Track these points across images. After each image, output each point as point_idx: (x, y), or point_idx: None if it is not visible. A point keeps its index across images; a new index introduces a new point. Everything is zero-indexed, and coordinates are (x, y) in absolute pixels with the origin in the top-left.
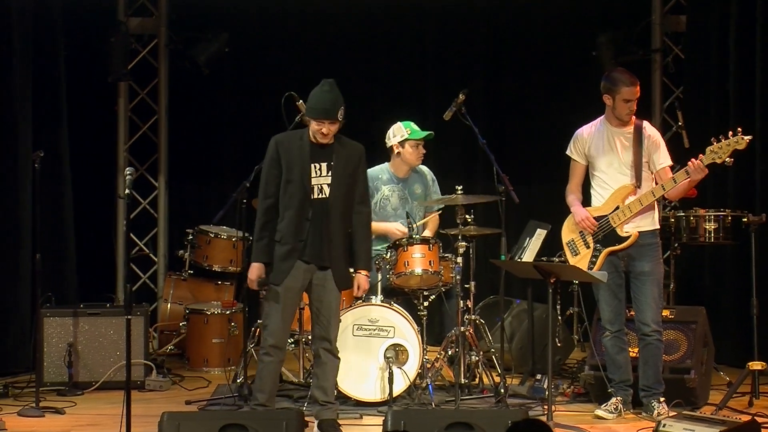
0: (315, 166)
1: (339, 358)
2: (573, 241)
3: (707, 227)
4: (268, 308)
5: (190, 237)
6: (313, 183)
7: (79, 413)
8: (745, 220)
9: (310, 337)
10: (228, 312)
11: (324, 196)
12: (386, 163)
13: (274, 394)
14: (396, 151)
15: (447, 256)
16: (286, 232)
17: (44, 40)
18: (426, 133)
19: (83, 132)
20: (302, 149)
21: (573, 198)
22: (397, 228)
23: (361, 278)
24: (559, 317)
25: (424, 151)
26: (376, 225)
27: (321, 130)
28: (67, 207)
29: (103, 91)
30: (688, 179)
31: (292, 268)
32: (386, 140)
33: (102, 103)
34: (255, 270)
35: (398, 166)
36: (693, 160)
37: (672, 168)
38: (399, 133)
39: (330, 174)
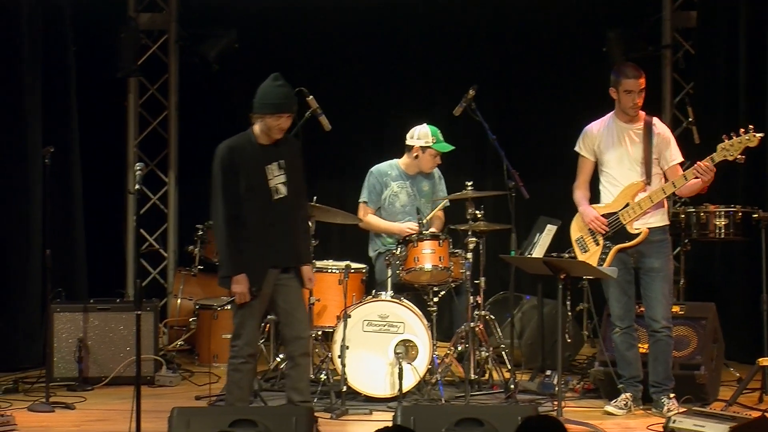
0: (269, 168)
1: (310, 356)
2: (582, 238)
3: (717, 223)
4: (242, 317)
5: (200, 232)
6: (270, 185)
7: (89, 408)
8: (756, 216)
9: None
10: None
11: (282, 195)
12: (395, 160)
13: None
14: (415, 153)
15: (457, 252)
16: (253, 239)
17: (54, 35)
18: (450, 147)
19: (93, 127)
20: (255, 152)
21: (581, 196)
22: (408, 227)
23: (309, 271)
24: (569, 313)
25: (440, 162)
26: (388, 225)
27: (279, 125)
28: (77, 202)
29: (113, 87)
30: (699, 179)
31: (265, 275)
32: (408, 137)
33: (112, 98)
34: (244, 281)
35: (410, 165)
36: (699, 162)
37: (682, 165)
38: (424, 138)
39: (283, 172)
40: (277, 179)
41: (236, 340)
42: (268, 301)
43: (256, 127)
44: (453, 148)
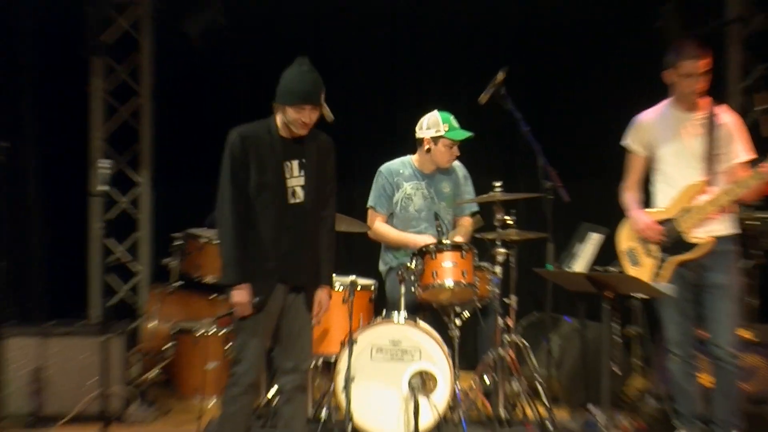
0: (287, 165)
1: (307, 390)
2: (633, 249)
3: None
4: (244, 338)
5: (179, 243)
6: (287, 185)
7: None
8: None
9: None
10: (224, 331)
11: (299, 200)
12: (408, 156)
13: None
14: (426, 146)
15: (483, 266)
16: (263, 246)
17: (4, 7)
18: (466, 134)
19: (52, 118)
20: (273, 144)
21: (630, 198)
22: (425, 241)
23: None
24: (617, 338)
25: (458, 154)
26: (400, 237)
27: (301, 119)
28: (34, 207)
29: (76, 70)
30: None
31: (273, 289)
32: (417, 129)
33: (75, 83)
34: (246, 292)
35: (424, 161)
36: (765, 164)
37: (754, 162)
38: (435, 126)
39: (302, 174)
40: (295, 180)
41: (236, 365)
42: (275, 322)
43: (278, 117)
44: (471, 134)
